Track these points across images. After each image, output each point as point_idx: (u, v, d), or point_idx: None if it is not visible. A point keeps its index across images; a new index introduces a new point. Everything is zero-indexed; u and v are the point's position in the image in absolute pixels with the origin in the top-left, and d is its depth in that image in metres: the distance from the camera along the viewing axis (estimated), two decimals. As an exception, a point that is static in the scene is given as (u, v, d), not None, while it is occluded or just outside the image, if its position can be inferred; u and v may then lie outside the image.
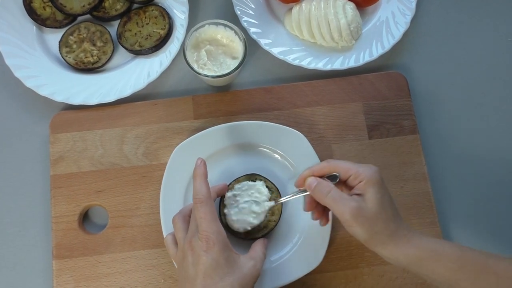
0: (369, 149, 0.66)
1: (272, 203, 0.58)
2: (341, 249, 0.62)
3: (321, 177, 0.53)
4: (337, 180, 0.52)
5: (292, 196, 0.56)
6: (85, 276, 0.60)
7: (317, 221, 0.56)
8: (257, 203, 0.58)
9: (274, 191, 0.60)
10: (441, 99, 0.70)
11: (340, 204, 0.49)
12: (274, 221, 0.60)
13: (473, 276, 0.45)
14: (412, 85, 0.69)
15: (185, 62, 0.62)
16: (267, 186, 0.60)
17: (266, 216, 0.59)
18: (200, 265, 0.47)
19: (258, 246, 0.54)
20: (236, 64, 0.62)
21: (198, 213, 0.49)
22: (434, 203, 0.64)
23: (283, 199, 0.58)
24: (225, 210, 0.59)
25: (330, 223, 0.59)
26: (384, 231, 0.48)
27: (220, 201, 0.60)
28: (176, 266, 0.53)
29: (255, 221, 0.58)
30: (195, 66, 0.63)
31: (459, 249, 0.47)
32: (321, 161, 0.61)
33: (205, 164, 0.53)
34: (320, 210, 0.55)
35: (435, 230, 0.63)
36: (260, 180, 0.60)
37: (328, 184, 0.51)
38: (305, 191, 0.54)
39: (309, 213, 0.56)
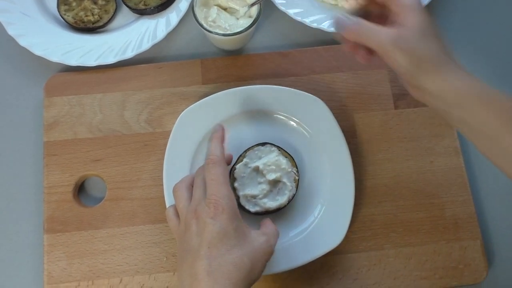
0: (395, 120, 0.60)
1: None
2: (364, 228, 0.56)
3: None
4: None
5: None
6: (79, 253, 0.55)
7: (337, 195, 0.52)
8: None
9: (290, 160, 0.55)
10: (475, 68, 0.64)
11: (375, 31, 0.42)
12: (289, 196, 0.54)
13: None
14: (443, 52, 0.63)
15: (193, 24, 0.57)
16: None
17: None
18: (206, 233, 0.42)
19: (269, 222, 0.49)
20: (249, 23, 0.57)
21: (209, 174, 0.44)
22: (468, 179, 0.58)
23: None
24: (236, 184, 0.54)
25: (352, 194, 0.54)
26: (432, 59, 0.41)
27: (230, 173, 0.54)
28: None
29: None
30: (204, 24, 0.57)
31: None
32: (343, 131, 0.56)
33: (224, 129, 0.50)
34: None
35: (468, 209, 0.57)
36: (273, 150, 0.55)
37: (355, 17, 0.44)
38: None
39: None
